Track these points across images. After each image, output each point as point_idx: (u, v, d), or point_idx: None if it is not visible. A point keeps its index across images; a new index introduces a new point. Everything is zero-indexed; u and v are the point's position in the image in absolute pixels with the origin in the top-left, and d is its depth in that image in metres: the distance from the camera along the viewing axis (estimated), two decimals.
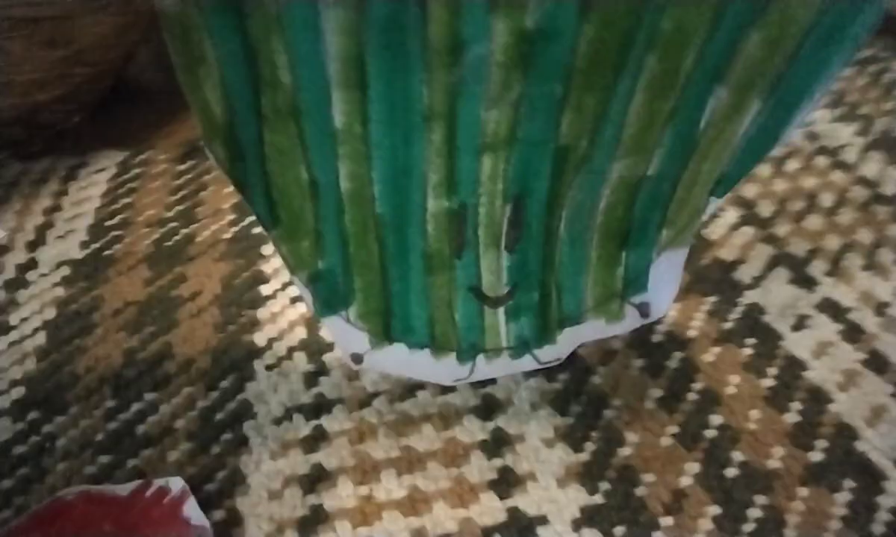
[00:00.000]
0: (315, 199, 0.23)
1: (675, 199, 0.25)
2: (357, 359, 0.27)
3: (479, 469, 0.27)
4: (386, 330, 0.26)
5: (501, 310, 0.26)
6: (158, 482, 0.26)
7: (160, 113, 0.51)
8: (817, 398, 0.29)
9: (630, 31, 0.19)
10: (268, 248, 0.37)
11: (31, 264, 0.37)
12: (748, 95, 0.22)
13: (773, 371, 0.30)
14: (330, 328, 0.26)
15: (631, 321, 0.28)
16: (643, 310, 0.27)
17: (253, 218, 0.39)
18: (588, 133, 0.22)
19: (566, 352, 0.28)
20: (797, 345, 0.31)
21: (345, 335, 0.27)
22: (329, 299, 0.26)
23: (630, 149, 0.23)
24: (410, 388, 0.30)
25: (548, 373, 0.30)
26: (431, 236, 0.24)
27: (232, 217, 0.40)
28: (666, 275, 0.27)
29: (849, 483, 0.26)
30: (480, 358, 0.27)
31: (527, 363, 0.28)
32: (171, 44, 0.19)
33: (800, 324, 0.32)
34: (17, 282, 0.36)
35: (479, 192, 0.23)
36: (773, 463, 0.26)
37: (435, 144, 0.21)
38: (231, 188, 0.42)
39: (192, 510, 0.25)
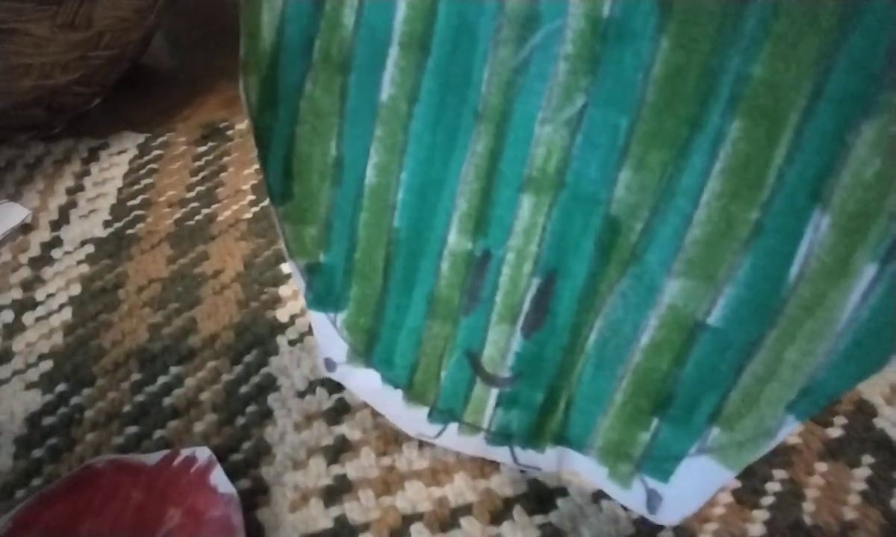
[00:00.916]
0: (335, 186, 0.21)
1: (740, 389, 0.19)
2: (330, 365, 0.26)
3: None
4: (367, 352, 0.25)
5: (494, 391, 0.23)
6: (185, 451, 0.26)
7: (177, 96, 0.51)
8: None
9: (713, 64, 0.16)
10: None
11: (56, 242, 0.37)
12: (858, 244, 0.16)
13: None
14: (313, 323, 0.25)
15: (636, 499, 0.22)
16: (652, 501, 0.22)
17: None
18: (646, 210, 0.18)
19: (550, 468, 0.24)
20: None
21: (326, 336, 0.25)
22: (322, 296, 0.24)
23: (692, 266, 0.18)
24: None
25: None
26: (443, 279, 0.22)
27: (252, 198, 0.40)
28: (695, 483, 0.21)
29: (867, 458, 0.26)
30: (453, 426, 0.25)
31: (502, 455, 0.25)
32: None
33: None
34: (43, 260, 0.36)
35: (509, 245, 0.20)
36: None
37: (476, 158, 0.19)
38: (251, 169, 0.42)
39: (219, 478, 0.25)
